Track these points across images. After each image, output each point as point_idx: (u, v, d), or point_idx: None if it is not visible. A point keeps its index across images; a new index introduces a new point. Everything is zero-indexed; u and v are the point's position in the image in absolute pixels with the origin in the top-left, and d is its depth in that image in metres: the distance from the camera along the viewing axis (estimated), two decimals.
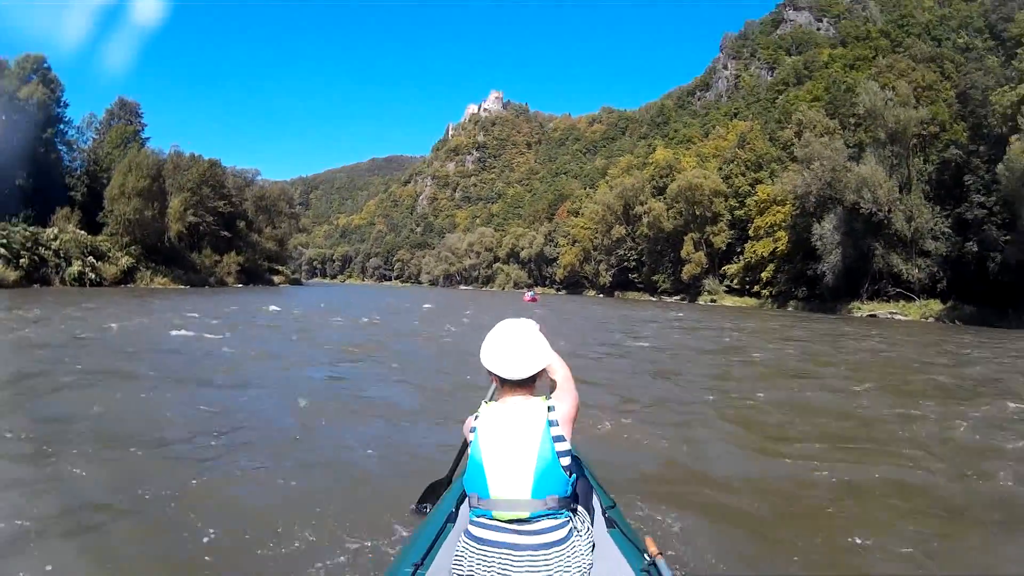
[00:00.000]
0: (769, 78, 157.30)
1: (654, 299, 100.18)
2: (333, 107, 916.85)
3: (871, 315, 58.76)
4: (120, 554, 5.42)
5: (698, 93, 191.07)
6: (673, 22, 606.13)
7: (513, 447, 3.32)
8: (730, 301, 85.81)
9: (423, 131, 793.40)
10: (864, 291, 63.24)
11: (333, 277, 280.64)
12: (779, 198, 79.40)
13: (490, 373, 3.59)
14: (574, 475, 3.47)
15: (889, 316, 57.63)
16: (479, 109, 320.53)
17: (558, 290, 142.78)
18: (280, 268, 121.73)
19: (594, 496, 4.23)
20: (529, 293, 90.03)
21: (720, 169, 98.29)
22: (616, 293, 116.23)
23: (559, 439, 3.34)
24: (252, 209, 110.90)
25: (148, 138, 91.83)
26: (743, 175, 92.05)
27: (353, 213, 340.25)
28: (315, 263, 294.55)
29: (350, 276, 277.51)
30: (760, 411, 12.28)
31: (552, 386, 3.71)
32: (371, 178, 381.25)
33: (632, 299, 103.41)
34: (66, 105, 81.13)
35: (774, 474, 8.16)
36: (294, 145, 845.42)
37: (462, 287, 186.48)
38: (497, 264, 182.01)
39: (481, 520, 3.34)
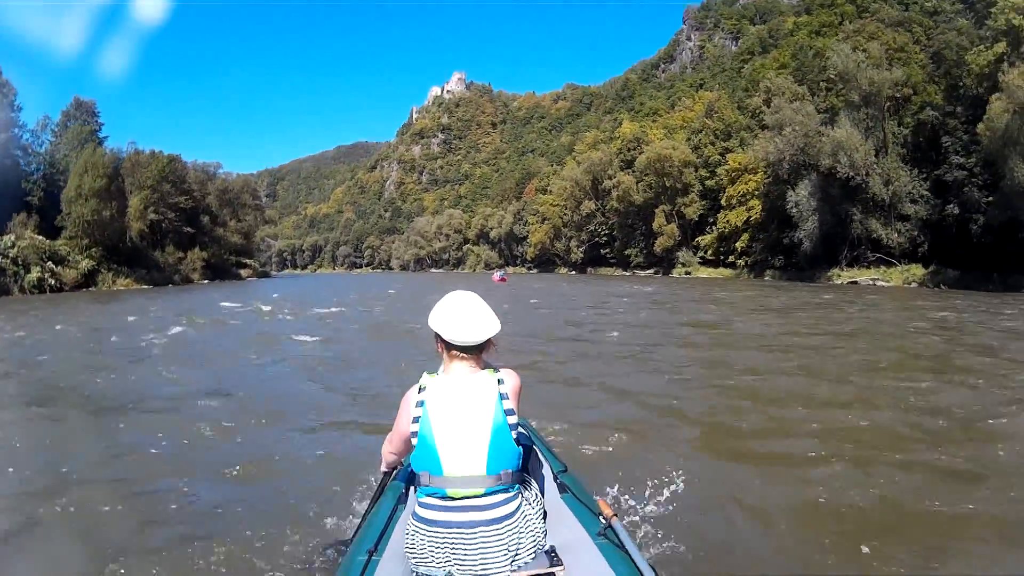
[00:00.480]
0: (734, 48, 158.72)
1: (627, 274, 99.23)
2: (296, 97, 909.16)
3: (852, 282, 57.69)
4: None
5: (662, 65, 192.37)
6: None
7: (466, 422, 3.24)
8: (705, 273, 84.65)
9: (388, 116, 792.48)
10: (843, 258, 62.02)
11: (304, 267, 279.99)
12: (751, 166, 78.25)
13: (437, 339, 3.48)
14: (522, 444, 3.46)
15: (871, 283, 56.57)
16: (442, 91, 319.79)
17: (529, 269, 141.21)
18: (248, 261, 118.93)
19: (545, 462, 4.18)
20: (498, 273, 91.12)
21: (689, 139, 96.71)
22: (588, 269, 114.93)
23: (510, 412, 3.30)
24: (215, 203, 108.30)
25: (106, 137, 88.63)
26: (712, 144, 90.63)
27: (321, 202, 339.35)
28: (285, 254, 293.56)
29: (320, 266, 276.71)
30: (738, 393, 11.30)
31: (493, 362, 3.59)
32: (337, 166, 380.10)
33: (605, 275, 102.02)
34: (19, 109, 78.45)
35: (753, 464, 7.46)
36: (259, 137, 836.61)
37: (433, 270, 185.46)
38: (467, 246, 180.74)
39: (430, 500, 3.26)
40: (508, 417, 3.27)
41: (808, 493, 6.37)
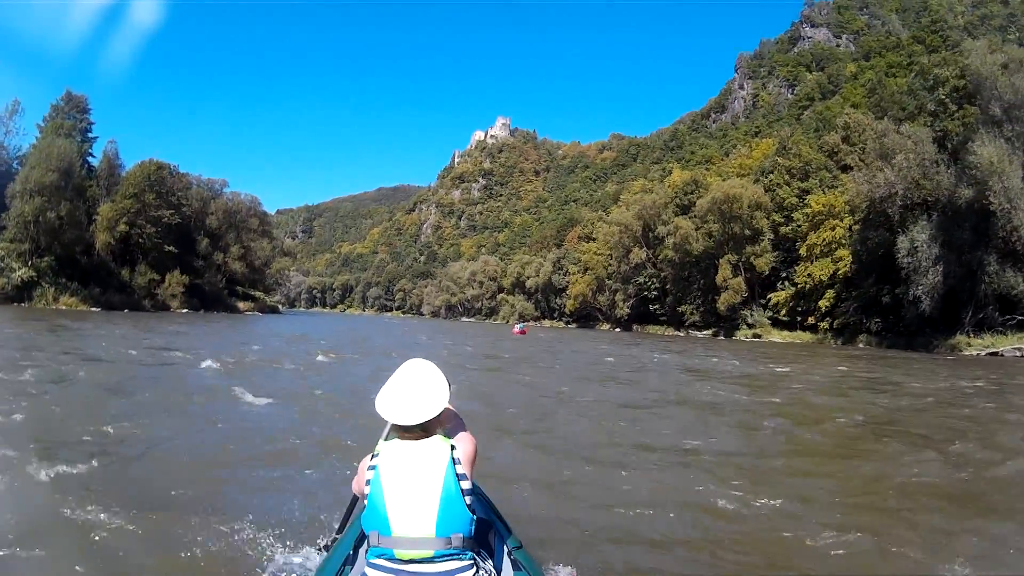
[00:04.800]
0: (790, 96, 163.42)
1: (680, 333, 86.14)
2: (341, 136, 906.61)
3: (991, 353, 43.80)
4: None
5: (713, 115, 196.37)
6: (683, 46, 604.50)
7: (417, 483, 3.24)
8: (778, 336, 71.08)
9: (431, 160, 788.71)
10: (967, 320, 48.35)
11: (333, 307, 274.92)
12: (837, 209, 65.80)
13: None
14: (476, 514, 3.42)
15: (1018, 353, 42.73)
16: (486, 136, 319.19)
17: (568, 323, 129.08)
18: (255, 294, 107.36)
19: (500, 537, 4.07)
20: (518, 326, 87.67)
21: (757, 181, 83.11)
22: (635, 327, 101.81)
23: (463, 477, 3.30)
24: (217, 224, 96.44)
25: (96, 137, 79.89)
26: (787, 185, 76.92)
27: (356, 242, 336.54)
28: (315, 292, 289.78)
29: (350, 306, 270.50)
30: None
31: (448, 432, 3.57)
32: (376, 207, 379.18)
33: (654, 333, 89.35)
34: None
35: None
36: (300, 174, 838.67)
37: (464, 319, 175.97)
38: (501, 295, 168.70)
39: (380, 562, 3.26)
40: (461, 482, 3.26)
41: None
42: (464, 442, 3.42)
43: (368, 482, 3.29)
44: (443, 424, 3.51)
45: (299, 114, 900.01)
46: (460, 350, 38.27)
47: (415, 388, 3.42)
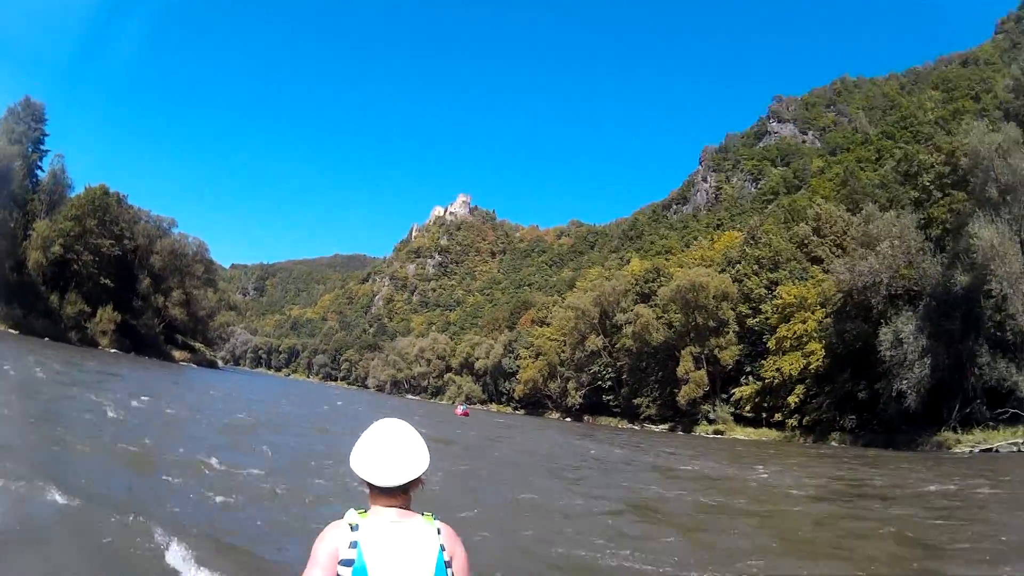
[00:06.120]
0: (754, 189, 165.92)
1: (635, 427, 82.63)
2: (302, 199, 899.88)
3: (985, 450, 41.27)
4: None
5: (674, 207, 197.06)
6: (648, 137, 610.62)
7: (407, 574, 2.95)
8: (742, 433, 68.03)
9: (389, 231, 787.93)
10: (954, 416, 45.97)
11: (278, 370, 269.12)
12: (809, 301, 64.02)
13: (362, 480, 3.20)
14: None
15: (1016, 449, 40.35)
16: (445, 212, 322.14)
17: (516, 409, 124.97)
18: (195, 345, 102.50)
19: None
20: (461, 407, 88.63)
21: (724, 270, 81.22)
22: (586, 417, 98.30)
23: (448, 564, 3.06)
24: (161, 265, 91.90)
25: (48, 151, 77.85)
26: (756, 275, 75.25)
27: (307, 306, 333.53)
28: (261, 352, 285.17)
29: (295, 371, 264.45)
30: None
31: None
32: (330, 273, 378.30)
33: (607, 425, 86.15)
34: None
35: None
36: (260, 230, 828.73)
37: (409, 396, 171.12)
38: (449, 375, 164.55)
39: None
40: (448, 570, 3.03)
41: None
42: (445, 526, 3.12)
43: (347, 562, 2.86)
44: (422, 486, 3.20)
45: (264, 171, 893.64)
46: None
47: (396, 446, 3.12)
